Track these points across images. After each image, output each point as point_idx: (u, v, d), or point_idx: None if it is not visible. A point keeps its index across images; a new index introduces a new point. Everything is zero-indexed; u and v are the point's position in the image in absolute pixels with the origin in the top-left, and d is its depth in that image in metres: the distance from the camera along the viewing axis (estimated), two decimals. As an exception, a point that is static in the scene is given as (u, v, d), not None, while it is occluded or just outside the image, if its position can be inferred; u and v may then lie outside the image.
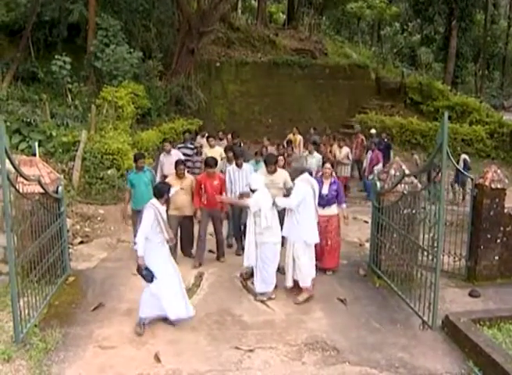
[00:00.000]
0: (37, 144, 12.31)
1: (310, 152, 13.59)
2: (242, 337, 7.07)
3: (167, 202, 7.65)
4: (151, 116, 18.33)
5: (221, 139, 15.16)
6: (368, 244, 10.15)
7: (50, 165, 10.09)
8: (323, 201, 8.93)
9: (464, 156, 15.86)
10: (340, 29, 39.28)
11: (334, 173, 9.98)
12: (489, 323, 7.22)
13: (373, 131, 18.34)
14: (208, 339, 7.07)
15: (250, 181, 8.32)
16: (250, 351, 6.73)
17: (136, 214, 8.96)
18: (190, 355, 6.67)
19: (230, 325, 7.47)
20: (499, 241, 8.97)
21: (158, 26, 20.21)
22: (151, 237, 7.02)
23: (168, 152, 12.23)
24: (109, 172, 13.41)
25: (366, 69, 24.80)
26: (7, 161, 6.30)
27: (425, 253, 7.66)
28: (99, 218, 12.25)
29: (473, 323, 7.08)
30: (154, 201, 7.19)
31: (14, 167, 6.73)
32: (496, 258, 9.02)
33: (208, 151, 12.33)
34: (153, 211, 7.03)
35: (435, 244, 7.33)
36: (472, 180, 9.12)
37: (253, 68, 21.97)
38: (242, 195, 8.50)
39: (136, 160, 9.86)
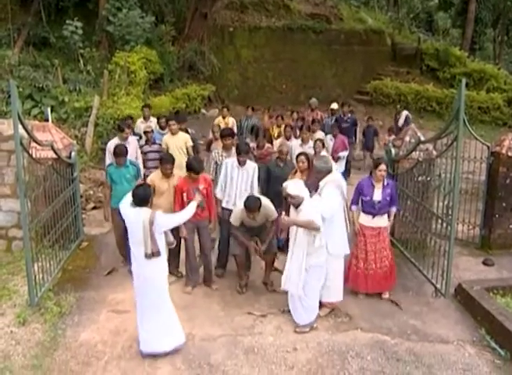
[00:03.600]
0: (49, 109, 12.24)
1: (303, 141, 10.27)
2: (254, 303, 7.11)
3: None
4: (163, 82, 18.19)
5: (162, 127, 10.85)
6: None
7: (63, 130, 10.05)
8: (374, 210, 7.20)
9: (406, 112, 14.83)
10: (356, -7, 38.53)
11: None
12: (503, 291, 7.20)
13: (334, 106, 13.80)
14: (220, 304, 7.13)
15: (288, 187, 6.42)
16: (263, 316, 6.79)
17: (117, 215, 6.81)
18: (203, 320, 6.73)
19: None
20: (514, 209, 8.89)
21: (171, -10, 19.92)
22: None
23: (125, 139, 9.14)
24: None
25: (382, 34, 24.32)
26: (20, 126, 6.29)
27: (440, 221, 7.62)
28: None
29: (486, 291, 7.08)
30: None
31: (27, 132, 6.71)
32: (511, 226, 8.95)
33: (168, 140, 9.66)
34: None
35: (450, 212, 7.28)
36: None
37: (266, 33, 21.63)
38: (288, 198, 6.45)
39: (116, 155, 7.93)
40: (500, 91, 21.15)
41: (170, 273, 7.35)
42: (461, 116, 6.71)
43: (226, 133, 8.56)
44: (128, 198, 5.96)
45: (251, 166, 7.88)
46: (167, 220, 5.97)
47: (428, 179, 8.44)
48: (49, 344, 6.16)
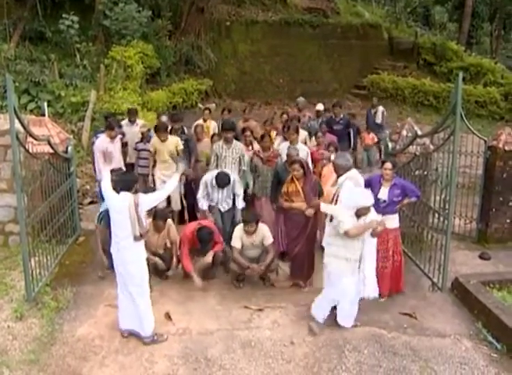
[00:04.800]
0: (46, 104, 12.22)
1: (292, 143, 8.94)
2: (251, 297, 7.12)
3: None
4: (160, 76, 18.14)
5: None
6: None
7: (59, 125, 10.03)
8: (378, 208, 6.75)
9: (382, 108, 13.82)
10: (353, -13, 38.45)
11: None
12: (499, 285, 7.23)
13: (320, 107, 12.54)
14: (217, 298, 7.14)
15: (359, 197, 6.14)
16: (260, 310, 6.79)
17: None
18: (200, 314, 6.74)
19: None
20: (511, 203, 8.92)
21: (167, -16, 19.83)
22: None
23: (114, 138, 9.26)
24: (119, 132, 13.32)
25: (379, 28, 24.28)
26: (16, 121, 6.27)
27: (436, 215, 7.62)
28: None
29: (482, 285, 7.10)
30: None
31: (23, 127, 6.70)
32: (508, 221, 9.00)
33: (158, 145, 9.15)
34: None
35: (447, 206, 7.28)
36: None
37: (263, 27, 21.57)
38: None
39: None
40: (497, 86, 21.14)
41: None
42: (458, 111, 6.70)
43: (227, 127, 8.69)
44: (108, 183, 6.08)
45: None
46: (151, 198, 6.10)
47: (425, 173, 8.45)
48: (46, 339, 6.15)
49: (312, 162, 8.95)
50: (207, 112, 11.46)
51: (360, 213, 6.06)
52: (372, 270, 6.29)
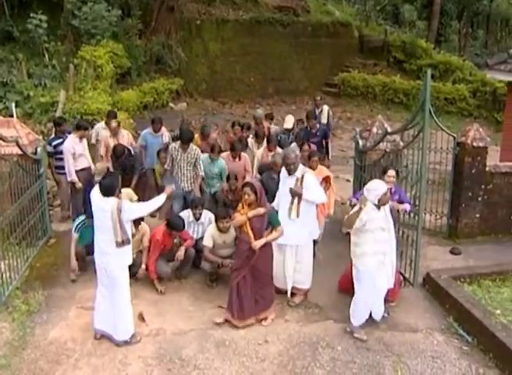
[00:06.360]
0: (14, 104, 12.07)
1: (271, 150, 9.35)
2: (225, 297, 7.08)
3: None
4: (130, 76, 17.98)
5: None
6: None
7: (28, 126, 9.90)
8: None
9: (327, 108, 12.30)
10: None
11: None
12: (470, 279, 7.35)
13: (289, 126, 11.08)
14: (190, 299, 7.13)
15: (377, 186, 6.20)
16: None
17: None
18: (174, 314, 6.73)
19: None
20: (480, 199, 9.06)
21: (137, -18, 19.67)
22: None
23: (82, 139, 9.25)
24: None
25: (349, 27, 24.42)
26: (-18, 122, 6.17)
27: (407, 211, 7.70)
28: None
29: (453, 279, 7.21)
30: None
31: (-10, 128, 6.59)
32: (477, 216, 9.12)
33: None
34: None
35: (417, 202, 7.37)
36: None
37: (234, 26, 21.54)
38: None
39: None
40: (466, 83, 21.44)
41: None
42: (427, 107, 6.78)
43: (185, 140, 8.62)
44: (97, 188, 5.96)
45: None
46: (134, 209, 6.02)
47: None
48: (18, 343, 6.07)
49: None
50: (114, 123, 9.65)
51: (382, 202, 6.14)
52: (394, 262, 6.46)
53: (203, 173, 8.87)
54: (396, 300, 7.01)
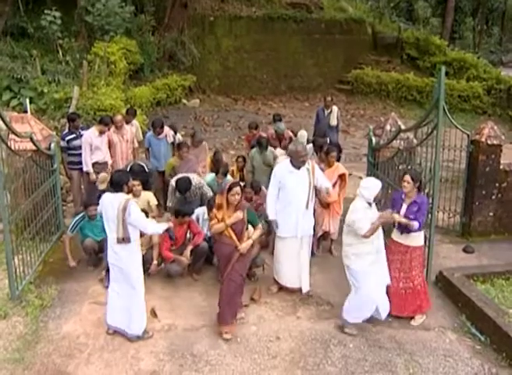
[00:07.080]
0: (28, 100, 12.09)
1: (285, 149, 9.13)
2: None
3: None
4: (143, 72, 18.01)
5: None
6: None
7: (42, 122, 9.93)
8: (401, 226, 6.52)
9: (337, 109, 11.99)
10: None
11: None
12: (483, 278, 7.30)
13: (303, 133, 10.42)
14: (202, 295, 7.13)
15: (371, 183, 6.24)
16: (245, 306, 6.78)
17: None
18: (186, 310, 6.74)
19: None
20: (494, 197, 9.00)
21: (150, -21, 19.70)
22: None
23: (102, 134, 9.28)
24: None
25: (362, 23, 24.31)
26: (-3, 117, 6.21)
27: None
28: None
29: (466, 278, 7.16)
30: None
31: (5, 124, 6.61)
32: (491, 214, 9.06)
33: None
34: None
35: (430, 200, 7.32)
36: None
37: (247, 23, 21.52)
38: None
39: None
40: (480, 80, 21.26)
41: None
42: (441, 105, 6.74)
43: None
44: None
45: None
46: (137, 219, 5.92)
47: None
48: (31, 338, 6.11)
49: None
50: (119, 117, 9.64)
51: (384, 223, 6.24)
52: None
53: (211, 193, 8.44)
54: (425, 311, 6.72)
